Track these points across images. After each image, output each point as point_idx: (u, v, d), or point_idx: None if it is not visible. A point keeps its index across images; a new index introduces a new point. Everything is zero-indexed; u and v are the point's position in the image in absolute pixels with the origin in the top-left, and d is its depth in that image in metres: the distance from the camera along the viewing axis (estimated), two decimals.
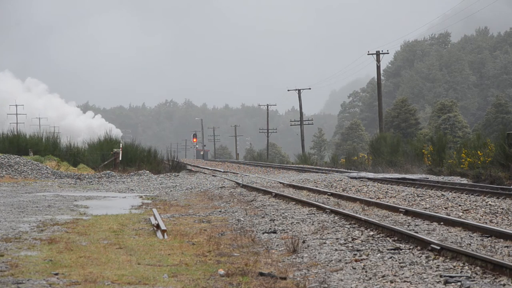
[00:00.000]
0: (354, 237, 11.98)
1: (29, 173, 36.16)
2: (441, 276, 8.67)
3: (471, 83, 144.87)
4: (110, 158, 44.47)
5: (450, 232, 12.25)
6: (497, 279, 8.42)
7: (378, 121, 58.04)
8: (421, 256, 9.97)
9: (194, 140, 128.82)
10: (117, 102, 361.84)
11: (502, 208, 15.94)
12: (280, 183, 27.23)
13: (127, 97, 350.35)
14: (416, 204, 17.65)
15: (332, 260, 10.08)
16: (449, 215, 14.67)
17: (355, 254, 10.42)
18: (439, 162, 39.42)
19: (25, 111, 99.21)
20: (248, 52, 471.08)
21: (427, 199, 18.60)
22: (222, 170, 44.03)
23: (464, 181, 28.24)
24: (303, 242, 11.73)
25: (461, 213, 15.40)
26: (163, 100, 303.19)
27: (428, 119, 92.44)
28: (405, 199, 18.93)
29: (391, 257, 10.01)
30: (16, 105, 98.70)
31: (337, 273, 9.21)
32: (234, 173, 40.54)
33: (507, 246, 10.66)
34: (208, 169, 48.03)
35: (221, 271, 9.30)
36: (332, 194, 20.62)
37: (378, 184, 25.68)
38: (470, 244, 10.92)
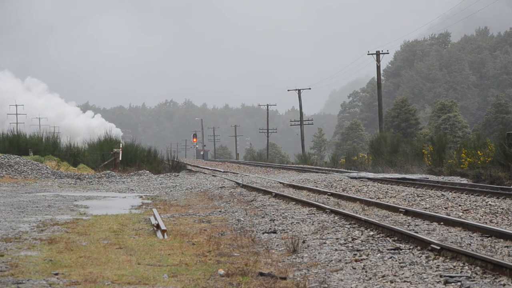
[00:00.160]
0: (354, 237, 11.98)
1: (29, 173, 36.16)
2: (441, 276, 8.67)
3: (471, 83, 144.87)
4: (110, 158, 44.46)
5: (450, 232, 12.25)
6: (497, 279, 8.42)
7: (378, 121, 58.03)
8: (421, 256, 9.97)
9: (194, 140, 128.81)
10: (117, 102, 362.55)
11: (502, 208, 15.94)
12: (280, 183, 27.23)
13: (127, 97, 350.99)
14: (416, 204, 17.65)
15: (332, 260, 10.08)
16: (449, 215, 14.67)
17: (355, 254, 10.42)
18: (439, 162, 39.40)
19: (25, 111, 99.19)
20: (248, 52, 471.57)
21: (427, 199, 18.60)
22: (222, 170, 44.03)
23: (464, 181, 28.25)
24: (303, 242, 11.73)
25: (461, 213, 15.39)
26: (163, 100, 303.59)
27: (428, 119, 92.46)
28: (405, 199, 18.93)
29: (391, 257, 10.01)
30: (16, 105, 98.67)
31: (337, 273, 9.21)
32: (234, 173, 40.54)
33: (507, 246, 10.66)
34: (208, 169, 48.03)
35: (221, 271, 9.30)
36: (332, 194, 20.62)
37: (378, 184, 25.67)
38: (470, 244, 10.92)
